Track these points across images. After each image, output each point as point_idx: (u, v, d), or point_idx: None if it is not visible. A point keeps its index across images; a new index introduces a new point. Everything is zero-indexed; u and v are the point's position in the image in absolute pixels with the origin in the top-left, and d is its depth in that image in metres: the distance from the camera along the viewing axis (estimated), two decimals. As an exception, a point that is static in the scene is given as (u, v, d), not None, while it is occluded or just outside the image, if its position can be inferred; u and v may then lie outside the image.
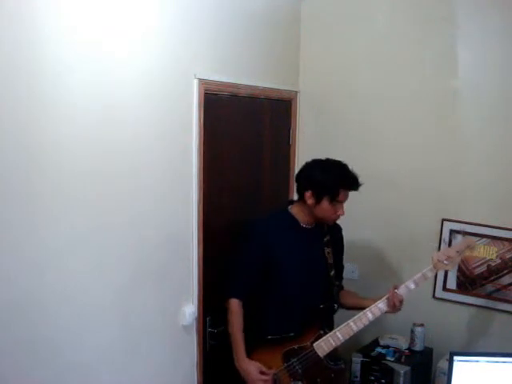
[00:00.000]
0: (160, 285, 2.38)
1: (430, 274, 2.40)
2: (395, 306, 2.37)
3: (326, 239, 2.53)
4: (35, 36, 1.77)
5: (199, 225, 2.52)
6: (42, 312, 1.89)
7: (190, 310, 2.51)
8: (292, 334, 2.41)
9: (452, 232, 2.86)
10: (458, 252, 2.40)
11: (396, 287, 2.40)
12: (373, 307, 2.38)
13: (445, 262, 2.38)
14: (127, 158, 2.15)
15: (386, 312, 2.40)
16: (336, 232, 2.63)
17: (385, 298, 2.39)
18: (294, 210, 2.51)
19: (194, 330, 2.58)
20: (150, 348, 2.36)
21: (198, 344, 2.60)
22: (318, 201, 2.39)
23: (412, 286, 2.39)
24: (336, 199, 2.37)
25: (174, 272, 2.45)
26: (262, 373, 2.36)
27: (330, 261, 2.52)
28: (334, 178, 2.38)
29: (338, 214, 2.42)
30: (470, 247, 2.44)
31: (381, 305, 2.39)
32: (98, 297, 2.09)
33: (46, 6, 1.79)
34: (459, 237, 2.81)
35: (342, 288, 2.66)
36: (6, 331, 1.77)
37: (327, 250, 2.52)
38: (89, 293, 2.05)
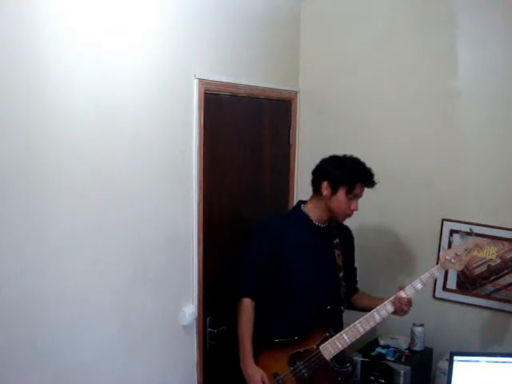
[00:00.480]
0: (160, 285, 2.38)
1: (438, 274, 2.38)
2: (402, 309, 2.34)
3: (335, 241, 2.52)
4: (35, 36, 1.77)
5: (199, 225, 2.52)
6: (41, 312, 1.89)
7: (189, 310, 2.51)
8: (298, 337, 2.39)
9: (452, 232, 2.86)
10: (466, 250, 2.38)
11: (402, 288, 2.37)
12: (380, 308, 2.36)
13: (453, 260, 2.36)
14: (127, 158, 2.15)
15: (393, 313, 2.37)
16: (346, 234, 2.62)
17: (391, 298, 2.37)
18: (308, 206, 2.50)
19: (194, 330, 2.57)
20: (150, 348, 2.36)
21: (198, 344, 2.60)
22: (334, 191, 2.39)
23: (419, 286, 2.36)
24: (352, 192, 2.38)
25: (173, 272, 2.44)
26: (262, 381, 2.35)
27: (339, 262, 2.50)
28: (352, 171, 2.40)
29: (352, 208, 2.41)
30: (478, 246, 2.42)
31: (388, 306, 2.36)
32: (98, 297, 2.09)
33: (46, 6, 1.79)
34: (457, 236, 2.81)
35: (357, 290, 2.64)
36: (7, 331, 1.77)
37: (337, 251, 2.51)
38: (89, 293, 2.05)
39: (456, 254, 2.37)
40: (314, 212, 2.48)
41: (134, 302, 2.25)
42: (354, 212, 2.44)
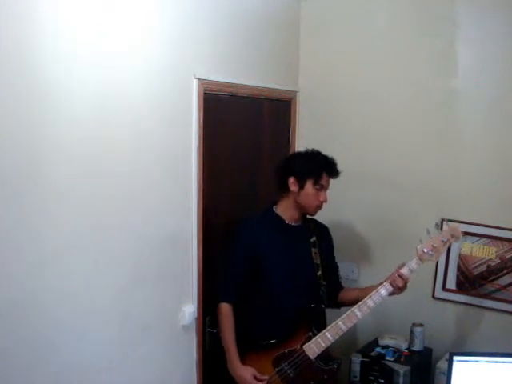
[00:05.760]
0: (160, 285, 2.38)
1: (416, 267, 2.35)
2: (398, 286, 2.31)
3: (312, 240, 2.52)
4: (35, 37, 1.77)
5: (199, 225, 2.53)
6: (41, 312, 1.89)
7: (189, 310, 2.51)
8: (280, 339, 2.39)
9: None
10: (443, 241, 2.35)
11: (400, 267, 2.34)
12: (361, 305, 2.33)
13: (430, 252, 2.33)
14: (127, 158, 2.15)
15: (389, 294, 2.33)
16: (323, 232, 2.61)
17: (385, 283, 2.33)
18: (279, 208, 2.50)
19: (193, 330, 2.58)
20: (150, 348, 2.36)
21: (198, 344, 2.60)
22: (301, 185, 2.40)
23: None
24: (319, 182, 2.38)
25: (173, 272, 2.45)
26: (255, 378, 2.35)
27: (317, 261, 2.50)
28: (316, 162, 2.41)
29: (321, 200, 2.41)
30: (454, 236, 2.38)
31: (369, 301, 2.32)
32: (97, 297, 2.09)
33: (46, 6, 1.79)
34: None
35: (342, 287, 2.63)
36: (7, 331, 1.78)
37: (314, 250, 2.51)
38: (89, 293, 2.05)
39: (433, 246, 2.33)
40: (285, 213, 2.48)
41: (133, 302, 2.25)
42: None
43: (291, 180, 2.42)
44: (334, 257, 2.67)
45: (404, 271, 2.34)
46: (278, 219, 2.49)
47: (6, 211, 1.74)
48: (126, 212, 2.18)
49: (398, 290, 2.34)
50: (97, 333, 2.11)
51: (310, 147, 2.98)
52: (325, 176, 2.40)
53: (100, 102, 2.01)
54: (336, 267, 2.66)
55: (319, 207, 2.46)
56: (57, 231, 1.91)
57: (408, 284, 2.36)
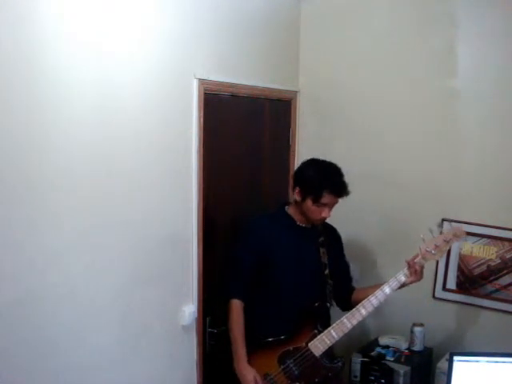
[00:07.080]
0: (160, 285, 2.38)
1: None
2: (416, 270, 2.33)
3: (320, 240, 2.53)
4: (35, 37, 1.76)
5: (199, 225, 2.53)
6: (42, 312, 1.89)
7: (189, 309, 2.51)
8: (286, 336, 2.40)
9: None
10: (445, 241, 2.37)
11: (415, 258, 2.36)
12: (365, 302, 2.35)
13: (433, 251, 2.35)
14: (127, 159, 2.15)
15: (404, 285, 2.36)
16: (331, 233, 2.62)
17: (402, 272, 2.36)
18: (291, 209, 2.53)
19: (193, 330, 2.58)
20: (150, 348, 2.36)
21: (198, 344, 2.60)
22: (302, 199, 2.41)
23: (403, 278, 2.37)
24: (319, 201, 2.36)
25: (174, 272, 2.45)
26: (256, 381, 2.35)
27: (324, 260, 2.51)
28: (320, 180, 2.37)
29: (322, 215, 2.40)
30: (456, 235, 2.40)
31: (373, 299, 2.35)
32: (97, 297, 2.09)
33: (46, 6, 1.79)
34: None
35: (353, 289, 2.62)
36: (7, 331, 1.78)
37: (322, 249, 2.52)
38: (89, 293, 2.05)
39: (436, 245, 2.36)
40: (295, 215, 2.50)
41: (133, 302, 2.25)
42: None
43: (296, 190, 2.43)
44: (344, 255, 2.68)
45: (419, 258, 2.35)
46: (290, 219, 2.51)
47: (6, 211, 1.74)
48: (126, 212, 2.18)
49: (415, 274, 2.35)
50: (97, 333, 2.11)
51: (310, 147, 3.00)
52: (327, 195, 2.35)
53: (100, 102, 2.01)
54: (347, 266, 2.67)
55: (320, 221, 2.46)
56: (57, 231, 1.91)
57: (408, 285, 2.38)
